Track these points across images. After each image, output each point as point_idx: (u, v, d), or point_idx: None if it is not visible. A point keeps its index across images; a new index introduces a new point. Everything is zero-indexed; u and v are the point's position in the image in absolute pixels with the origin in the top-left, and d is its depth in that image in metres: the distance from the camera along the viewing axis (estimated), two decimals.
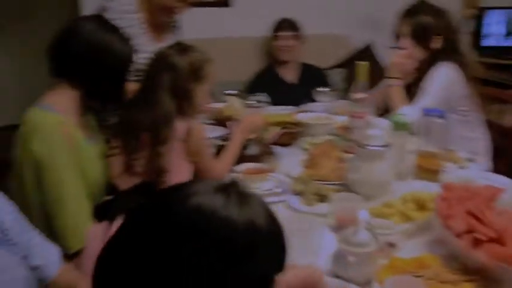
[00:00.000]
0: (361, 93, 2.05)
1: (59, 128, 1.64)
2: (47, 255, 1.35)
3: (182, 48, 1.83)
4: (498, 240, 1.31)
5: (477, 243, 1.32)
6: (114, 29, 1.82)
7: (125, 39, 1.82)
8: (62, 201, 1.61)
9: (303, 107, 2.76)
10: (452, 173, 1.84)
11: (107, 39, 1.73)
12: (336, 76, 3.73)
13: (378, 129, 1.80)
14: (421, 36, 2.44)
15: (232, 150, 1.97)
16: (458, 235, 1.35)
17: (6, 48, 4.99)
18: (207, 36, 3.74)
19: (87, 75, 1.72)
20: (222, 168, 1.92)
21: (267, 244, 0.77)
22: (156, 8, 2.34)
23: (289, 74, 3.60)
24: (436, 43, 2.44)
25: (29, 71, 4.72)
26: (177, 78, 1.77)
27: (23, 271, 1.26)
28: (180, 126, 1.78)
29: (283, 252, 0.82)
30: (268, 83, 3.50)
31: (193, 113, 1.83)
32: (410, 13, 2.49)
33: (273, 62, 3.67)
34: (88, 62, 1.71)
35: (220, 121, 2.41)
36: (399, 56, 2.45)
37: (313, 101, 2.75)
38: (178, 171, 1.79)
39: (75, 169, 1.66)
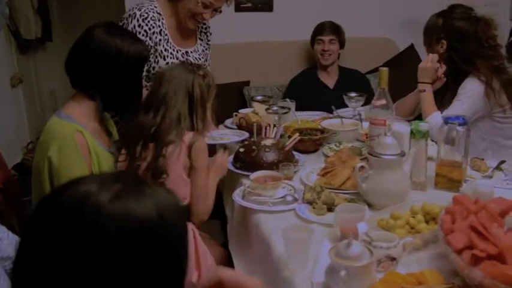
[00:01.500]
0: (381, 99, 1.98)
1: (74, 136, 1.70)
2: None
3: (195, 67, 1.88)
4: (499, 258, 1.24)
5: (476, 260, 1.26)
6: (123, 33, 1.85)
7: (136, 40, 1.85)
8: None
9: (335, 112, 2.71)
10: (472, 183, 1.74)
11: (117, 43, 1.77)
12: (377, 79, 3.64)
13: (392, 137, 1.74)
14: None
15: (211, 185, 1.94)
16: (458, 251, 1.29)
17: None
18: (249, 40, 3.77)
19: (101, 84, 1.77)
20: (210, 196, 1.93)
21: (143, 236, 0.74)
22: (183, 15, 2.38)
23: (329, 78, 3.55)
24: (442, 47, 2.39)
25: None
26: (192, 98, 1.82)
27: None
28: (187, 136, 1.81)
29: (166, 249, 0.77)
30: (308, 87, 3.47)
31: (202, 128, 1.87)
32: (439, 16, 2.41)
33: (313, 65, 3.64)
34: (101, 70, 1.75)
35: (246, 127, 2.40)
36: (427, 61, 2.36)
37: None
38: (177, 182, 1.81)
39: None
